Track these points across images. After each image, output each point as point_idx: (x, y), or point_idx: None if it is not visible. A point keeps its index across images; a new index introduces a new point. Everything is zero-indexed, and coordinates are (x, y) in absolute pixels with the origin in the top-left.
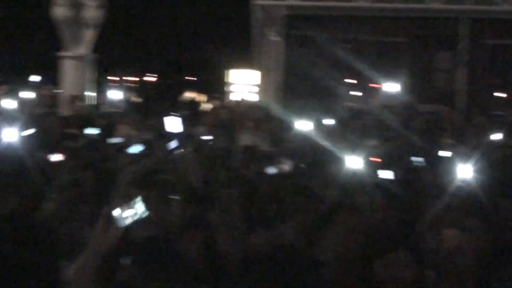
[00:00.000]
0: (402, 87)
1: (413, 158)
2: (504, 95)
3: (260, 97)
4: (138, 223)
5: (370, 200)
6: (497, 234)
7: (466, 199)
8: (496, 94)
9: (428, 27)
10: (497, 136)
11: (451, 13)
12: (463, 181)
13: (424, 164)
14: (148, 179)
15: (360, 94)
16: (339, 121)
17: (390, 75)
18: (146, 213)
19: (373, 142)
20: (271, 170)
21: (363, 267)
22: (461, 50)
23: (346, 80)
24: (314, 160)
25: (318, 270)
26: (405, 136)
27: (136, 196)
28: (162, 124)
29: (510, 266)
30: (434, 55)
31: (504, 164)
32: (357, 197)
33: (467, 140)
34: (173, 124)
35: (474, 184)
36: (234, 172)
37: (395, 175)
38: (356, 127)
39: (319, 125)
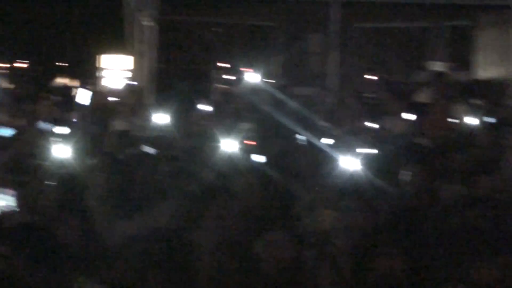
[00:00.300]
0: (275, 70)
1: (297, 136)
2: (375, 77)
3: (133, 82)
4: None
5: (245, 183)
6: (374, 214)
7: (343, 180)
8: (367, 76)
9: (299, 10)
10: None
11: None
12: (340, 163)
13: (305, 143)
14: (22, 164)
15: (232, 77)
16: (213, 105)
17: (263, 58)
18: (15, 207)
19: (246, 125)
20: (147, 153)
21: (242, 248)
22: (332, 33)
23: (219, 64)
24: (191, 143)
25: (196, 253)
26: (279, 119)
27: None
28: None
29: (387, 245)
30: (306, 38)
31: (379, 145)
32: (233, 181)
33: (340, 122)
34: (84, 96)
35: (350, 165)
36: (109, 156)
37: (270, 157)
38: (229, 110)
39: (194, 109)
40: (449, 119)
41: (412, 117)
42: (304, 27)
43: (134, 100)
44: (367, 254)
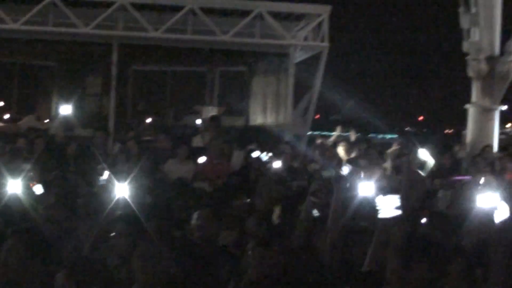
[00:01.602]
0: (54, 110)
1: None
2: (149, 119)
3: None
4: None
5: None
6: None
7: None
8: (144, 119)
9: (78, 51)
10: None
11: (101, 38)
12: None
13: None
14: None
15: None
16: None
17: (40, 98)
18: None
19: (27, 166)
20: None
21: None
22: (111, 75)
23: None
24: None
25: None
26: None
27: None
28: None
29: None
30: (85, 80)
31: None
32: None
33: (119, 164)
34: None
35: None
36: None
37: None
38: (7, 150)
39: None
40: (224, 163)
41: (190, 161)
42: (83, 68)
43: None
44: None
